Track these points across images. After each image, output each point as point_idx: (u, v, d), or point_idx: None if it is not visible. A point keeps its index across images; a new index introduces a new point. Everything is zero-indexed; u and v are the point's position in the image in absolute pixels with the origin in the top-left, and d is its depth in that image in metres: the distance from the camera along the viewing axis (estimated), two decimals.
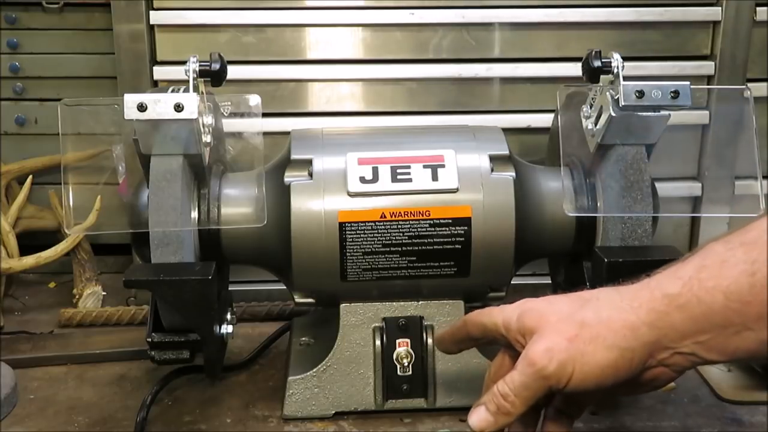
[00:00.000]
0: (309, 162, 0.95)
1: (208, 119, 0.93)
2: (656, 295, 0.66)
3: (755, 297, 0.61)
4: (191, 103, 0.86)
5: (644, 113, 0.93)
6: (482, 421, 0.70)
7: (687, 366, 0.67)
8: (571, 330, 0.67)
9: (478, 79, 1.22)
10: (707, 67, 1.22)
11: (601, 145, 0.95)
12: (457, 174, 0.93)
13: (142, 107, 0.86)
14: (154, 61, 1.20)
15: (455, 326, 0.81)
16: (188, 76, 0.90)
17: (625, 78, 0.92)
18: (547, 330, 0.67)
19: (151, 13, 1.18)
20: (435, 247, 0.93)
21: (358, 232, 0.92)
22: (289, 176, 0.94)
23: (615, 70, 0.93)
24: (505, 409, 0.69)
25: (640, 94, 0.91)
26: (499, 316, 0.73)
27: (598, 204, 0.97)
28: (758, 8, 1.21)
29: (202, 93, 0.91)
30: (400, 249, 0.93)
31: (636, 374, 0.67)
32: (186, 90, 0.89)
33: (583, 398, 0.74)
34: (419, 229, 0.93)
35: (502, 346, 0.75)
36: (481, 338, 0.78)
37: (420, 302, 0.98)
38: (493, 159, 0.96)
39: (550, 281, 1.13)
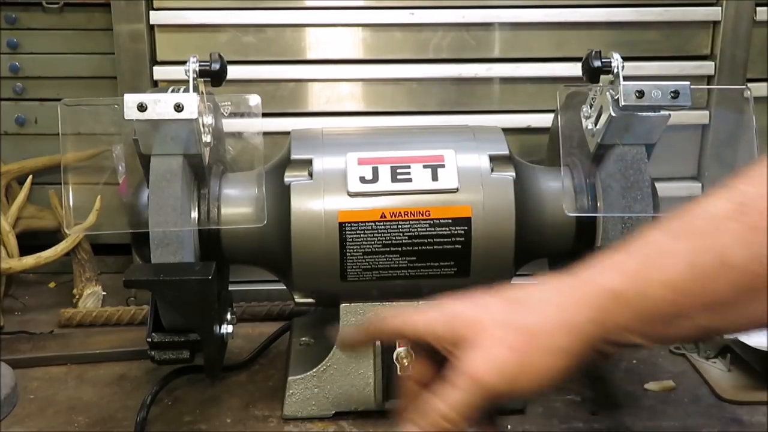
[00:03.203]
0: (309, 162, 0.95)
1: (208, 119, 0.93)
2: (600, 292, 0.62)
3: (698, 288, 0.60)
4: (191, 103, 0.86)
5: (644, 113, 0.93)
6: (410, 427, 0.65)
7: (622, 349, 0.65)
8: (513, 338, 0.63)
9: (478, 79, 1.23)
10: (707, 67, 1.22)
11: (601, 145, 0.95)
12: (457, 174, 0.93)
13: (142, 107, 0.86)
14: (154, 61, 1.20)
15: (363, 330, 0.74)
16: (188, 76, 0.90)
17: (625, 78, 0.92)
18: (485, 340, 0.63)
19: (151, 13, 1.18)
20: (435, 247, 0.93)
21: (358, 232, 0.92)
22: (289, 176, 0.94)
23: (615, 70, 0.93)
24: (445, 429, 0.64)
25: (640, 94, 0.91)
26: (420, 321, 0.68)
27: (598, 204, 0.97)
28: (758, 8, 1.21)
29: (202, 93, 0.91)
30: (400, 249, 0.93)
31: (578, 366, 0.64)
32: (186, 90, 0.89)
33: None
34: (419, 229, 0.93)
35: (414, 349, 0.71)
36: (394, 339, 0.73)
37: (420, 302, 0.97)
38: (493, 159, 0.96)
39: None
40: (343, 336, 0.79)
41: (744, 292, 0.59)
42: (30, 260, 1.20)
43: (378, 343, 0.96)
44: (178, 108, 0.86)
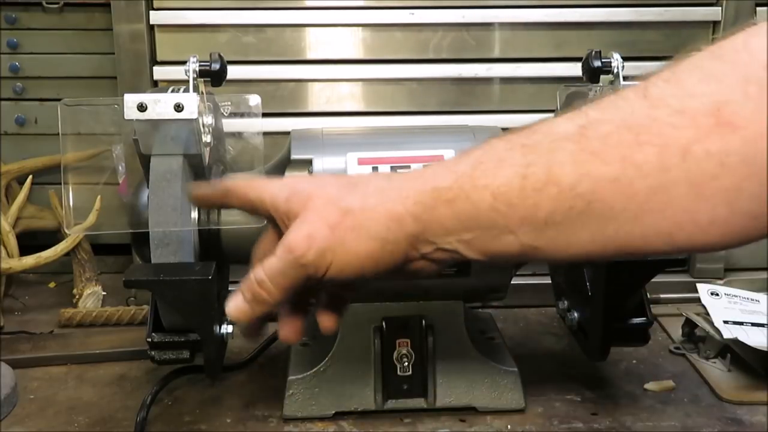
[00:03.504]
0: (309, 162, 0.95)
1: (208, 119, 0.93)
2: (426, 187, 0.63)
3: (523, 201, 0.60)
4: (191, 103, 0.86)
5: None
6: (237, 309, 0.68)
7: (448, 260, 0.65)
8: (335, 216, 0.64)
9: (478, 79, 1.23)
10: None
11: None
12: None
13: (142, 107, 0.86)
14: (154, 61, 1.20)
15: (216, 191, 0.75)
16: (188, 76, 0.90)
17: (625, 78, 0.92)
18: (311, 215, 0.64)
19: (151, 13, 1.18)
20: None
21: None
22: (290, 176, 0.94)
23: (615, 70, 0.93)
24: (261, 297, 0.66)
25: None
26: (266, 192, 0.69)
27: None
28: (758, 8, 1.21)
29: (202, 93, 0.91)
30: None
31: (398, 265, 0.65)
32: (186, 90, 0.89)
33: (347, 284, 0.70)
34: None
35: (269, 222, 0.72)
36: (243, 209, 0.74)
37: (420, 302, 0.98)
38: None
39: (550, 281, 1.13)
40: (195, 191, 0.78)
41: (566, 212, 0.59)
42: (30, 260, 1.20)
43: (378, 342, 0.96)
44: (178, 108, 0.86)
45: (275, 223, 0.70)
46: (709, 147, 0.56)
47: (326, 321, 0.72)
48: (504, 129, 1.01)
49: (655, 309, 1.02)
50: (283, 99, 1.22)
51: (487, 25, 1.22)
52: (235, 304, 0.68)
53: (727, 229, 0.57)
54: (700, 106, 0.56)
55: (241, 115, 0.98)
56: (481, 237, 0.62)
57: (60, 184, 0.93)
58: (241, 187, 0.71)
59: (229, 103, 0.98)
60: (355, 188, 0.66)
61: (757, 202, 0.56)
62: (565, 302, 1.06)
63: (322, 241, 0.63)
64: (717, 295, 1.17)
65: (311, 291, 0.71)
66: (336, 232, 0.63)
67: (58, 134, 0.91)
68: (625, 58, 0.94)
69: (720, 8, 1.20)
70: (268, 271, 0.66)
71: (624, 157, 0.57)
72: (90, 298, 1.24)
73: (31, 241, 1.26)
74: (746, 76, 0.56)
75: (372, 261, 0.64)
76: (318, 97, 1.23)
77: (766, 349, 1.03)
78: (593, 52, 0.95)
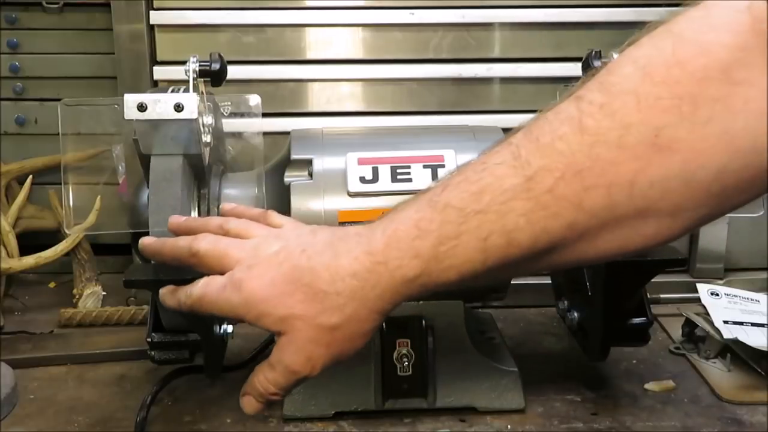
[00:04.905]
0: (309, 162, 0.95)
1: (208, 119, 0.93)
2: (399, 281, 0.67)
3: (487, 269, 0.65)
4: (191, 103, 0.86)
5: None
6: (255, 408, 0.75)
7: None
8: (325, 337, 0.69)
9: (478, 79, 1.23)
10: None
11: None
12: None
13: (142, 107, 0.86)
14: (154, 61, 1.20)
15: (188, 297, 0.76)
16: (188, 76, 0.90)
17: None
18: (299, 338, 0.69)
19: (151, 13, 1.18)
20: None
21: None
22: (289, 176, 0.94)
23: None
24: (275, 398, 0.74)
25: None
26: (218, 301, 0.71)
27: None
28: None
29: (202, 93, 0.91)
30: None
31: None
32: (186, 90, 0.89)
33: None
34: None
35: None
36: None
37: (420, 302, 0.97)
38: None
39: (550, 281, 1.13)
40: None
41: (527, 263, 0.65)
42: (30, 260, 1.20)
43: (378, 342, 0.96)
44: (178, 108, 0.86)
45: None
46: (651, 176, 0.59)
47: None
48: (504, 129, 1.01)
49: (655, 309, 1.02)
50: (283, 99, 1.22)
51: (487, 25, 1.22)
52: (252, 406, 0.75)
53: (671, 233, 0.62)
54: (638, 137, 0.58)
55: (241, 115, 0.98)
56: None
57: (60, 184, 0.93)
58: (207, 302, 0.73)
59: (229, 103, 0.98)
60: (325, 301, 0.68)
61: (697, 212, 0.60)
62: (565, 302, 1.06)
63: (322, 359, 0.70)
64: (717, 295, 1.17)
65: None
66: (331, 348, 0.70)
67: (58, 134, 0.91)
68: None
69: None
70: (274, 385, 0.72)
71: (574, 205, 0.61)
72: (90, 298, 1.24)
73: (31, 241, 1.26)
74: (679, 95, 0.57)
75: (367, 339, 0.71)
76: (318, 97, 1.23)
77: (766, 349, 1.03)
78: (593, 52, 0.95)
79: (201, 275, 0.75)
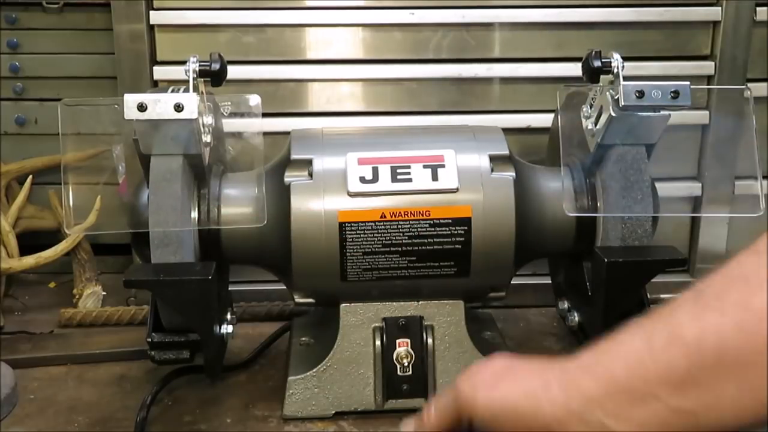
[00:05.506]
0: (309, 162, 0.95)
1: (208, 119, 0.93)
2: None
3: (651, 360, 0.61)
4: (191, 103, 0.86)
5: (644, 113, 0.93)
6: (407, 425, 0.71)
7: None
8: (501, 366, 0.67)
9: (478, 79, 1.22)
10: (707, 67, 1.22)
11: (601, 145, 0.95)
12: (457, 174, 0.93)
13: (142, 107, 0.86)
14: (154, 61, 1.20)
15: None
16: (188, 76, 0.90)
17: (625, 78, 0.92)
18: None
19: (151, 13, 1.18)
20: (435, 247, 0.93)
21: (358, 232, 0.92)
22: (289, 176, 0.94)
23: (615, 70, 0.93)
24: (425, 422, 0.69)
25: (640, 94, 0.91)
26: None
27: (598, 204, 0.97)
28: (758, 8, 1.21)
29: (202, 93, 0.91)
30: (400, 249, 0.93)
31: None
32: (186, 90, 0.89)
33: None
34: (419, 229, 0.93)
35: None
36: None
37: (420, 302, 0.98)
38: (493, 159, 0.96)
39: (550, 281, 1.13)
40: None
41: (699, 368, 0.59)
42: (30, 260, 1.20)
43: (378, 342, 0.96)
44: (178, 108, 0.86)
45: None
46: None
47: None
48: (504, 129, 1.01)
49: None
50: (283, 99, 1.22)
51: (487, 25, 1.21)
52: (406, 424, 0.71)
53: None
54: None
55: (241, 115, 0.98)
56: (625, 405, 0.61)
57: (60, 184, 0.93)
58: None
59: (229, 103, 0.98)
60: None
61: None
62: (566, 302, 1.06)
63: (479, 379, 0.67)
64: None
65: None
66: (495, 379, 0.66)
67: (58, 134, 0.91)
68: (625, 58, 0.94)
69: (720, 8, 1.20)
70: (435, 402, 0.69)
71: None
72: (90, 298, 1.24)
73: (31, 241, 1.26)
74: None
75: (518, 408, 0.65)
76: (318, 97, 1.23)
77: None
78: (593, 52, 0.95)
79: (201, 273, 0.75)
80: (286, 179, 0.94)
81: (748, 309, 0.58)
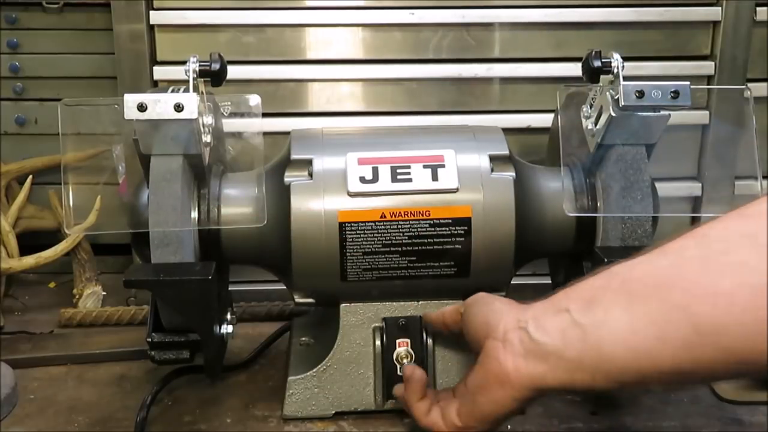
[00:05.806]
0: (309, 162, 0.95)
1: (208, 119, 0.93)
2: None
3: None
4: (191, 103, 0.86)
5: (644, 113, 0.93)
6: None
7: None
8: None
9: (478, 79, 1.23)
10: (707, 67, 1.22)
11: (601, 145, 0.95)
12: (457, 174, 0.93)
13: (142, 107, 0.86)
14: (154, 61, 1.20)
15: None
16: (188, 76, 0.90)
17: (625, 78, 0.92)
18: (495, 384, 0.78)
19: (151, 13, 1.18)
20: (435, 247, 0.93)
21: (358, 232, 0.92)
22: (289, 176, 0.94)
23: (615, 70, 0.93)
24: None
25: (640, 94, 0.91)
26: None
27: (598, 204, 0.97)
28: (758, 8, 1.21)
29: (202, 93, 0.91)
30: (400, 249, 0.93)
31: None
32: (186, 90, 0.89)
33: None
34: (419, 229, 0.93)
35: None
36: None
37: (420, 302, 0.98)
38: (493, 159, 0.96)
39: (550, 281, 1.13)
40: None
41: (604, 290, 0.71)
42: (30, 260, 1.20)
43: (378, 342, 0.96)
44: (178, 108, 0.86)
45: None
46: None
47: None
48: (504, 129, 1.01)
49: None
50: (283, 99, 1.22)
51: (487, 25, 1.21)
52: None
53: None
54: None
55: (241, 115, 0.98)
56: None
57: (60, 184, 0.93)
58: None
59: (229, 103, 0.98)
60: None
61: None
62: None
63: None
64: None
65: None
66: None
67: (58, 134, 0.91)
68: (625, 58, 0.94)
69: (720, 8, 1.20)
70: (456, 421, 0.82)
71: None
72: (90, 298, 1.24)
73: (31, 241, 1.26)
74: None
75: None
76: (318, 97, 1.23)
77: None
78: (593, 52, 0.95)
79: (201, 273, 0.75)
80: (286, 179, 0.94)
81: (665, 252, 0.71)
